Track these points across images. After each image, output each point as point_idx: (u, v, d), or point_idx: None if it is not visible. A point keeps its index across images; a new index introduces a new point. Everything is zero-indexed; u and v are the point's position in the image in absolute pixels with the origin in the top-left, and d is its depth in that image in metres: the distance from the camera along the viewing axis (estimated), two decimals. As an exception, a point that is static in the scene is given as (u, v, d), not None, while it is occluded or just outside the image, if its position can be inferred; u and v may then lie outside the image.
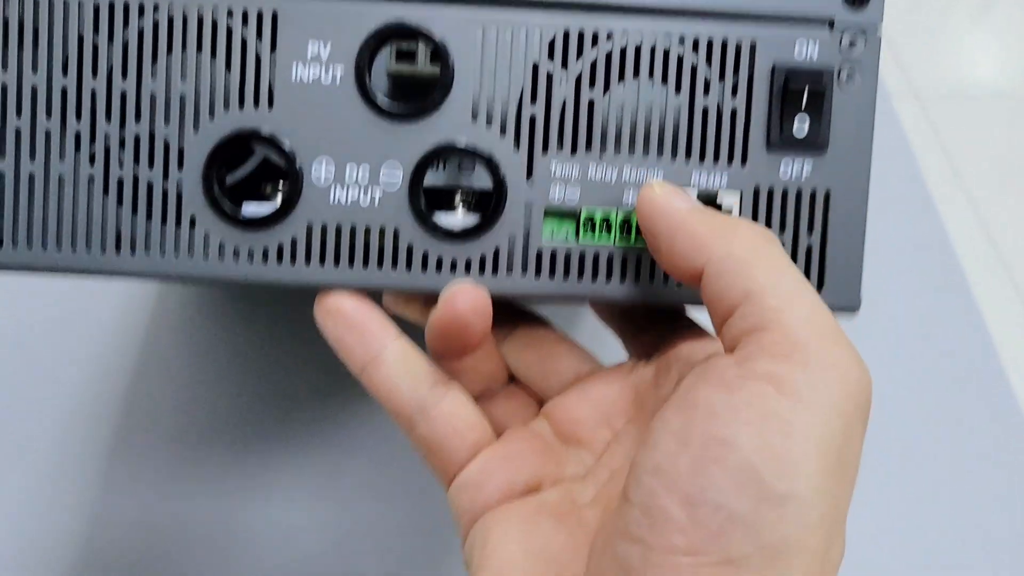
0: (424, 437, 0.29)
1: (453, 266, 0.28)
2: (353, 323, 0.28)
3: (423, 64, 0.28)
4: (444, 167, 0.29)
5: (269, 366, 0.47)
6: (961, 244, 0.55)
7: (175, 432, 0.45)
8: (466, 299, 0.27)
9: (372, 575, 0.42)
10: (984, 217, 0.61)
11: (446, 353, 0.29)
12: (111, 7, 0.27)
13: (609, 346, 0.34)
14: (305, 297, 0.29)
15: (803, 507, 0.22)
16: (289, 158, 0.28)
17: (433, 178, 0.29)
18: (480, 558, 0.27)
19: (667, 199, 0.27)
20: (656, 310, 0.32)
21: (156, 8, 0.27)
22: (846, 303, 0.29)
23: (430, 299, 0.29)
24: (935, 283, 0.52)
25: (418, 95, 0.28)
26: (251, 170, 0.28)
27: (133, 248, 0.28)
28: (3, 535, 0.42)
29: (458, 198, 0.29)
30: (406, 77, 0.29)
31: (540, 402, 0.32)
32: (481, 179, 0.29)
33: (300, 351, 0.47)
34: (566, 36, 0.28)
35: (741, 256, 0.25)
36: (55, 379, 0.46)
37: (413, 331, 0.30)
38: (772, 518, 0.22)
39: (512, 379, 0.32)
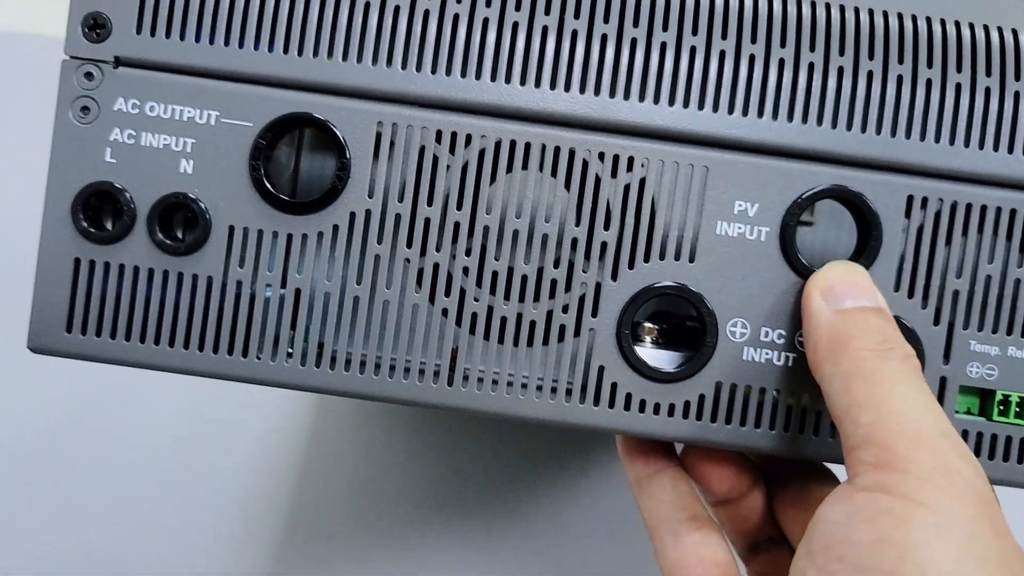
0: (670, 556, 0.29)
1: (860, 436, 0.28)
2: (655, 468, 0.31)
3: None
4: None
5: (430, 462, 0.47)
6: None
7: (342, 523, 0.46)
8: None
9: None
10: None
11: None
12: (527, 147, 0.27)
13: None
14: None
15: None
16: (709, 314, 0.27)
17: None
18: None
19: (819, 299, 0.26)
20: None
21: (585, 161, 0.27)
22: None
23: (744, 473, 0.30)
24: None
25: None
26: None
27: (539, 390, 0.28)
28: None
29: None
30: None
31: None
32: None
33: (461, 446, 0.47)
34: (998, 212, 0.27)
35: (845, 371, 0.25)
36: (230, 475, 0.47)
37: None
38: None
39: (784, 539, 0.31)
